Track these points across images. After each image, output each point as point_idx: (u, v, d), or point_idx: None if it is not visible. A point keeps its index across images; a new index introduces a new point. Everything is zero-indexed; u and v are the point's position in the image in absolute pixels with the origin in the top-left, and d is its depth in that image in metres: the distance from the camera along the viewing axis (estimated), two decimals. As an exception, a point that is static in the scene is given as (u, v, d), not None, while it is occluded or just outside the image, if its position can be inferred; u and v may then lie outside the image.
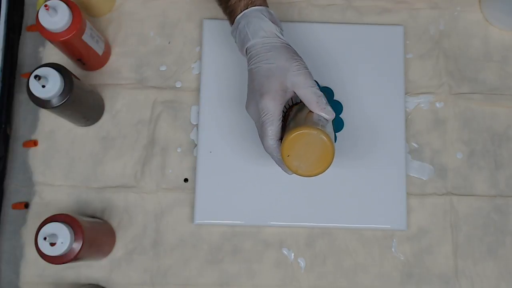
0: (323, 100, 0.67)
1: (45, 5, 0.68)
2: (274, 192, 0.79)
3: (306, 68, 0.68)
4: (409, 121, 0.83)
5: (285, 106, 0.79)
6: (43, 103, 0.70)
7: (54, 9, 0.69)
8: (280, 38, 0.69)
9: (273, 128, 0.67)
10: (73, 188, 0.80)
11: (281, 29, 0.70)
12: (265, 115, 0.67)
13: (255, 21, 0.68)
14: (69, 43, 0.73)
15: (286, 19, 0.85)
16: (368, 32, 0.84)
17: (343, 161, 0.80)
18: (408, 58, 0.85)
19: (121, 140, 0.82)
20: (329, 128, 0.67)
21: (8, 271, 0.79)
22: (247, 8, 0.69)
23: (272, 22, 0.69)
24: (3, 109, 0.81)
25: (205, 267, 0.79)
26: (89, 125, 0.82)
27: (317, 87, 0.68)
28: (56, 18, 0.70)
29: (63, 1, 0.70)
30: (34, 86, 0.69)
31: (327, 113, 0.67)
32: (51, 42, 0.73)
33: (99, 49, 0.79)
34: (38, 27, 0.71)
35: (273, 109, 0.67)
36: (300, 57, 0.69)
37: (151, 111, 0.83)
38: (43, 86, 0.69)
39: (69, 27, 0.71)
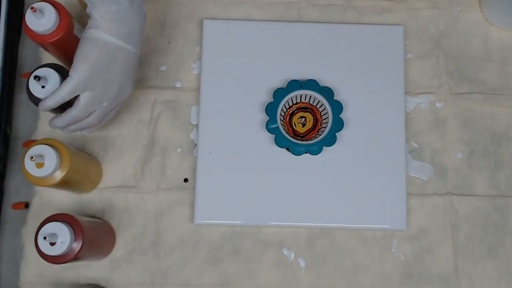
0: None
1: (32, 7, 0.68)
2: (274, 192, 0.79)
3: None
4: (409, 121, 0.83)
5: (284, 105, 0.79)
6: None
7: (41, 11, 0.69)
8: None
9: None
10: (73, 188, 0.80)
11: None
12: None
13: None
14: (63, 41, 0.72)
15: (286, 19, 0.86)
16: (368, 32, 0.84)
17: (343, 161, 0.80)
18: (408, 58, 0.85)
19: (121, 140, 0.82)
20: None
21: (8, 271, 0.79)
22: None
23: None
24: (3, 109, 0.81)
25: (205, 267, 0.79)
26: None
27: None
28: (43, 20, 0.70)
29: (48, 2, 0.70)
30: (34, 87, 0.69)
31: None
32: (43, 45, 0.72)
33: None
34: (27, 31, 0.70)
35: None
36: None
37: (151, 111, 0.83)
38: (43, 87, 0.69)
39: (58, 26, 0.71)
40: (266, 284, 0.78)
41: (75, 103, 0.68)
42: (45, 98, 0.67)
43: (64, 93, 0.66)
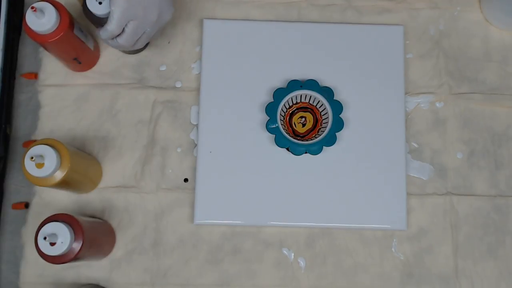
0: None
1: (32, 7, 0.68)
2: (274, 192, 0.79)
3: None
4: (409, 121, 0.83)
5: (284, 105, 0.79)
6: (99, 21, 0.72)
7: (41, 11, 0.69)
8: None
9: None
10: (73, 188, 0.80)
11: None
12: None
13: None
14: (64, 41, 0.72)
15: (286, 19, 0.86)
16: (368, 32, 0.84)
17: (343, 161, 0.80)
18: (408, 58, 0.85)
19: (121, 140, 0.82)
20: None
21: (8, 271, 0.79)
22: None
23: None
24: (3, 109, 0.81)
25: (205, 267, 0.79)
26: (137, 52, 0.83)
27: None
28: (44, 20, 0.70)
29: (49, 2, 0.70)
30: (91, 3, 0.71)
31: None
32: (43, 45, 0.72)
33: (90, 44, 0.79)
34: (27, 31, 0.71)
35: None
36: None
37: (151, 111, 0.83)
38: (100, 3, 0.71)
39: (59, 25, 0.71)
40: (266, 284, 0.78)
41: (121, 34, 0.71)
42: (100, 32, 0.72)
43: (112, 28, 0.70)
